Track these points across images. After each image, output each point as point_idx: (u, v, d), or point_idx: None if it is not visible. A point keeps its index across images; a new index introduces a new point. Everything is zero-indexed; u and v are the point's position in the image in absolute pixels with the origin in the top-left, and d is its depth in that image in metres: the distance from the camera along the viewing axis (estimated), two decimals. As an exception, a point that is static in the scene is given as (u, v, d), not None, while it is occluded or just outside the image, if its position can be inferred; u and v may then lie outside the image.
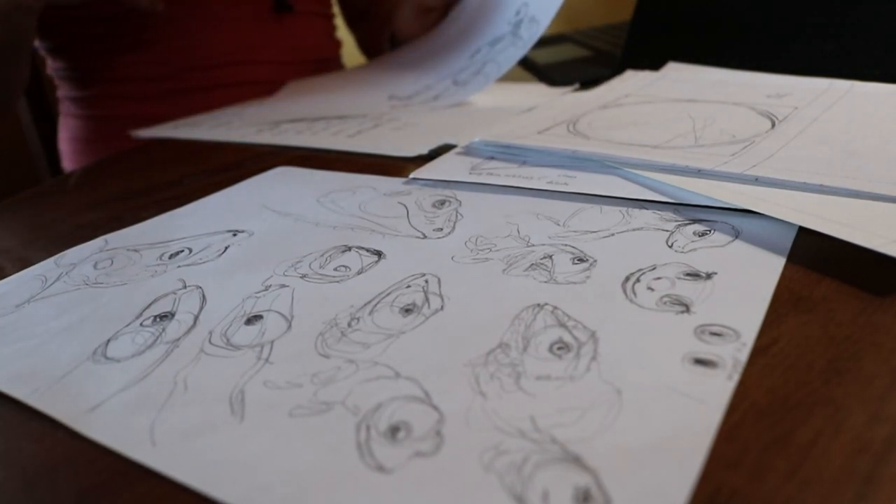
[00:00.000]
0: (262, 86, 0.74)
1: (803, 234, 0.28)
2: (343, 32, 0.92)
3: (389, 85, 0.64)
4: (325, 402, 0.21)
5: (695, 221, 0.30)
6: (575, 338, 0.23)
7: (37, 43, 0.78)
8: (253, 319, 0.26)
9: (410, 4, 0.74)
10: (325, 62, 0.86)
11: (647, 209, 0.32)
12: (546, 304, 0.25)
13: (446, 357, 0.23)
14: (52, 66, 0.79)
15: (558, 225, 0.32)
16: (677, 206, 0.32)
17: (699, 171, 0.34)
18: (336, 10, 0.90)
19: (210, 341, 0.25)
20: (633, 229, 0.30)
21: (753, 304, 0.24)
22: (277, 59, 0.79)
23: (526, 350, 0.22)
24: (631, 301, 0.25)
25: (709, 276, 0.26)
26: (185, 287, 0.30)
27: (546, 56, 0.75)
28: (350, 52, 0.95)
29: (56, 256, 0.35)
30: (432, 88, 0.59)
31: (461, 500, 0.17)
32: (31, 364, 0.25)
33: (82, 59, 0.75)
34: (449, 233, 0.32)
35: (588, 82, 0.59)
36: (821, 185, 0.30)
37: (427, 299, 0.26)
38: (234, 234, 0.35)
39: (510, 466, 0.18)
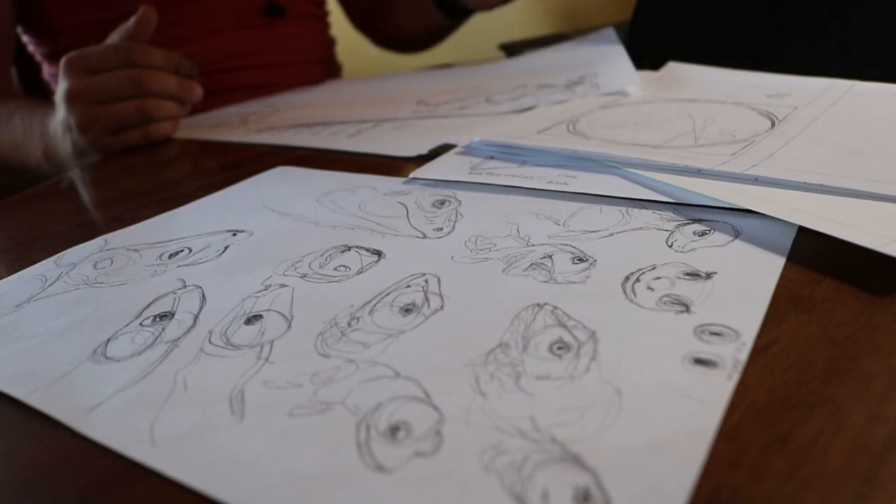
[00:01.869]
0: (259, 90, 0.74)
1: (803, 234, 0.28)
2: (336, 31, 0.92)
3: (420, 91, 0.63)
4: (325, 401, 0.21)
5: (695, 221, 0.30)
6: (575, 338, 0.23)
7: (33, 48, 0.78)
8: (253, 319, 0.26)
9: None
10: (320, 62, 0.86)
11: (647, 209, 0.32)
12: (546, 303, 0.25)
13: (446, 357, 0.23)
14: (48, 71, 0.79)
15: (558, 225, 0.32)
16: (677, 206, 0.32)
17: (699, 170, 0.34)
18: (329, 8, 0.90)
19: (210, 341, 0.25)
20: (633, 229, 0.30)
21: (753, 304, 0.24)
22: (272, 63, 0.79)
23: (526, 350, 0.22)
24: (631, 301, 0.25)
25: (709, 275, 0.26)
26: (184, 287, 0.30)
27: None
28: (344, 51, 0.95)
29: (56, 256, 0.35)
30: (463, 100, 0.58)
31: (461, 500, 0.17)
32: (31, 364, 0.25)
33: None
34: (449, 233, 0.32)
35: (588, 82, 0.59)
36: (821, 185, 0.30)
37: (427, 299, 0.26)
38: (234, 234, 0.35)
39: (510, 466, 0.18)
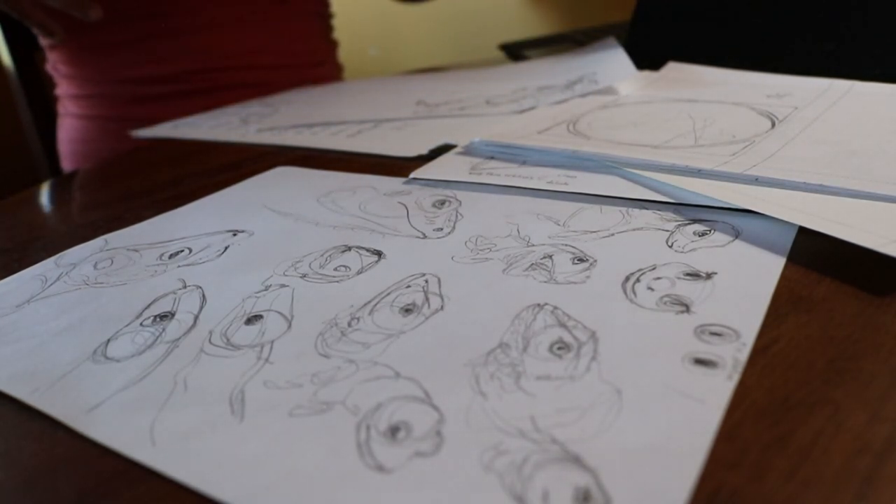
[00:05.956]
0: (260, 88, 0.74)
1: (803, 234, 0.28)
2: (338, 33, 0.92)
3: (420, 92, 0.63)
4: (325, 402, 0.21)
5: (695, 221, 0.30)
6: (575, 338, 0.23)
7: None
8: (253, 319, 0.26)
9: None
10: (321, 64, 0.86)
11: (647, 209, 0.32)
12: (546, 304, 0.25)
13: (446, 357, 0.23)
14: (51, 60, 0.79)
15: (558, 225, 0.32)
16: (677, 206, 0.32)
17: (699, 171, 0.34)
18: (333, 10, 0.90)
19: (210, 341, 0.25)
20: (633, 229, 0.30)
21: (753, 304, 0.24)
22: (275, 63, 0.80)
23: (526, 350, 0.22)
24: (631, 301, 0.25)
25: (709, 276, 0.26)
26: (185, 287, 0.30)
27: (546, 56, 0.75)
28: (345, 52, 0.95)
29: (56, 256, 0.35)
30: (462, 101, 0.58)
31: (461, 500, 0.17)
32: (31, 364, 0.25)
33: (83, 54, 0.75)
34: (449, 233, 0.32)
35: (588, 82, 0.59)
36: (821, 185, 0.30)
37: (427, 299, 0.26)
38: (234, 234, 0.35)
39: (510, 466, 0.18)
